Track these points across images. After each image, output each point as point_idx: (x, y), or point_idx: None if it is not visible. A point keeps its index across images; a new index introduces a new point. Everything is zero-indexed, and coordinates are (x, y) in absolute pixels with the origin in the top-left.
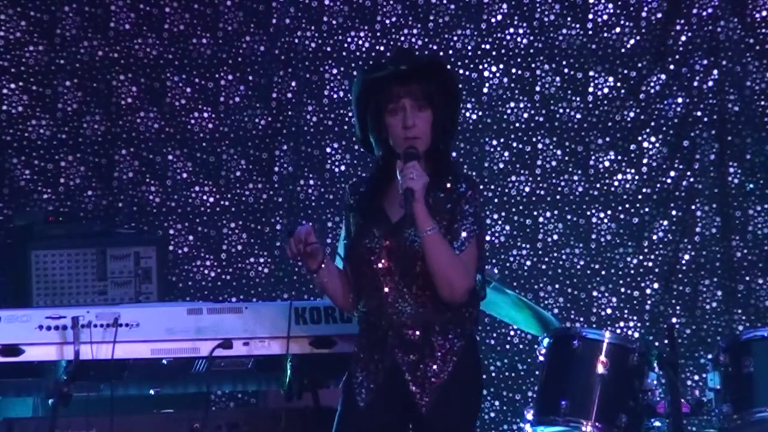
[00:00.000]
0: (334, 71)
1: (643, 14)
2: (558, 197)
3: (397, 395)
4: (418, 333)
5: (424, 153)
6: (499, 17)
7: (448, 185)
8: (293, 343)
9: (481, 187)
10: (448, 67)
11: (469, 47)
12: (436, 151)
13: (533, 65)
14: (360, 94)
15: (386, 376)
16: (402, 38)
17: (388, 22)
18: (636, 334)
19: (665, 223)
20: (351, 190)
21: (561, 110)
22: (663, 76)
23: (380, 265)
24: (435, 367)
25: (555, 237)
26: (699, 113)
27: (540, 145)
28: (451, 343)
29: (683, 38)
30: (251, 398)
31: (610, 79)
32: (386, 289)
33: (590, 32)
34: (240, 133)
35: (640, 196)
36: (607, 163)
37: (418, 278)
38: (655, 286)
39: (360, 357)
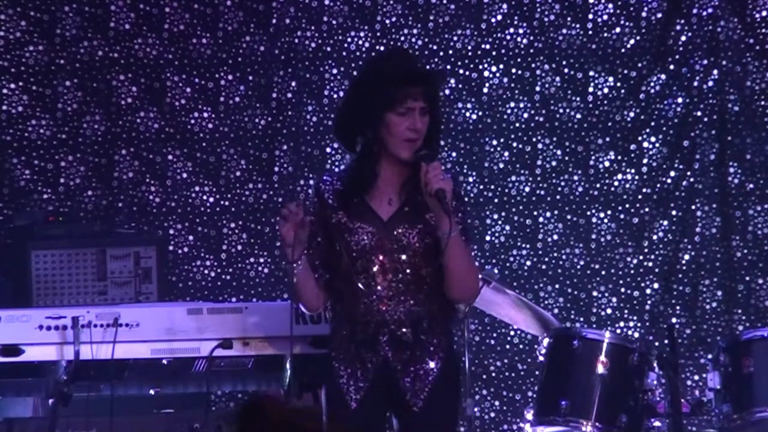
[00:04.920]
0: (334, 71)
1: (643, 14)
2: (558, 197)
3: (389, 393)
4: (408, 331)
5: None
6: (499, 17)
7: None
8: (293, 343)
9: (481, 187)
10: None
11: (469, 47)
12: (421, 155)
13: (533, 65)
14: (368, 89)
15: (376, 374)
16: (402, 38)
17: (388, 22)
18: (636, 334)
19: (665, 223)
20: (324, 188)
21: (561, 110)
22: (663, 76)
23: (374, 264)
24: (425, 364)
25: (555, 237)
26: (699, 113)
27: (540, 145)
28: (438, 340)
29: (683, 38)
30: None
31: (610, 79)
32: (379, 288)
33: (590, 32)
34: (240, 133)
35: (640, 196)
36: (607, 163)
37: (409, 276)
38: (655, 286)
39: (342, 357)
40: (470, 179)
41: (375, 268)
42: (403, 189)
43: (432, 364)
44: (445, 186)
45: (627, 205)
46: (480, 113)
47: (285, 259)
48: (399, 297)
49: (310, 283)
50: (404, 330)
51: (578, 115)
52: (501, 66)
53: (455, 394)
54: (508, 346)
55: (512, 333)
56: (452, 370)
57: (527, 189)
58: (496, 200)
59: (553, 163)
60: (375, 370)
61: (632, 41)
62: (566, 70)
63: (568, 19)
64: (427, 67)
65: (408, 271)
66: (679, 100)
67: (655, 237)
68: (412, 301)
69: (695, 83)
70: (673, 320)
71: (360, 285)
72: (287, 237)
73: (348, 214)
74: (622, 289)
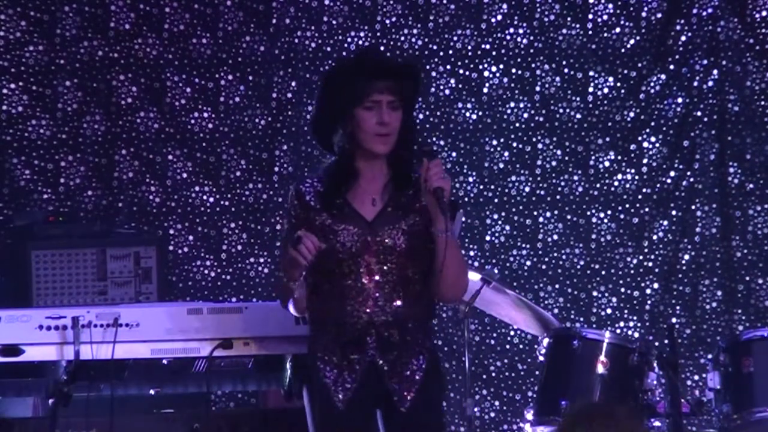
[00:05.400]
0: None
1: (643, 14)
2: (558, 197)
3: (377, 394)
4: (395, 331)
5: (387, 155)
6: (499, 17)
7: (409, 184)
8: (293, 343)
9: (481, 187)
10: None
11: (469, 47)
12: (401, 153)
13: (533, 65)
14: (335, 85)
15: (364, 375)
16: (402, 38)
17: (388, 22)
18: (636, 334)
19: (665, 223)
20: (304, 190)
21: (561, 110)
22: (663, 76)
23: (360, 265)
24: (411, 364)
25: (555, 237)
26: (699, 113)
27: (540, 145)
28: (422, 340)
29: (683, 38)
30: (251, 398)
31: (610, 79)
32: (366, 289)
33: (590, 32)
34: (240, 133)
35: (640, 196)
36: (607, 163)
37: (395, 276)
38: (655, 286)
39: (327, 359)
40: (470, 179)
41: (361, 270)
42: (386, 189)
43: (418, 365)
44: (444, 185)
45: (627, 205)
46: (480, 113)
47: (286, 275)
48: (386, 298)
49: (301, 292)
50: (391, 331)
51: (578, 115)
52: (501, 66)
53: (440, 393)
54: (508, 346)
55: (512, 333)
56: (436, 369)
57: (527, 189)
58: (496, 200)
59: (553, 163)
60: (362, 371)
61: (632, 41)
62: (566, 70)
63: (568, 19)
64: (399, 60)
65: (394, 271)
66: (679, 100)
67: (655, 237)
68: (398, 301)
69: (695, 83)
70: (673, 320)
71: (346, 286)
72: (300, 262)
73: (332, 215)
74: (622, 289)
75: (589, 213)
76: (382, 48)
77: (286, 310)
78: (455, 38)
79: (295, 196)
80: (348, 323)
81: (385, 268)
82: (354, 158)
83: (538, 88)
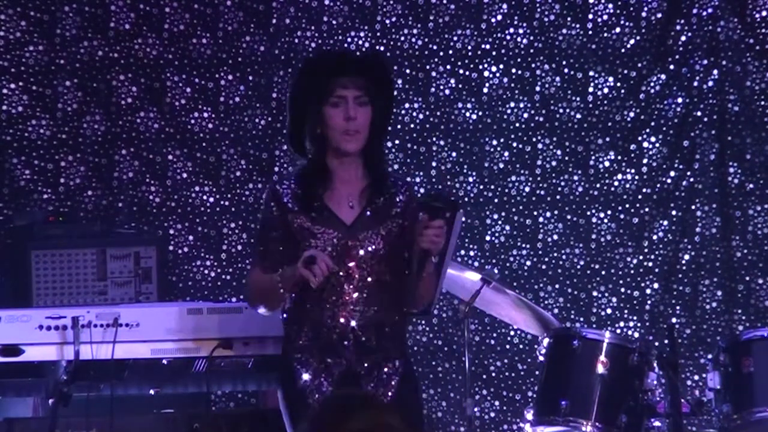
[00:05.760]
0: None
1: (643, 14)
2: (558, 197)
3: None
4: (372, 336)
5: (360, 152)
6: (499, 17)
7: (386, 189)
8: None
9: (481, 187)
10: (392, 67)
11: (469, 47)
12: (373, 151)
13: (533, 65)
14: (301, 85)
15: (340, 378)
16: (402, 38)
17: (388, 22)
18: (636, 334)
19: (665, 223)
20: (282, 191)
21: (561, 110)
22: (663, 76)
23: (340, 269)
24: (387, 369)
25: (555, 237)
26: (699, 113)
27: (540, 145)
28: (398, 344)
29: (683, 38)
30: (251, 398)
31: (610, 79)
32: (344, 293)
33: (590, 32)
34: (240, 133)
35: (640, 196)
36: (607, 163)
37: (373, 281)
38: (655, 286)
39: (304, 360)
40: (470, 179)
41: (340, 273)
42: (363, 193)
43: (393, 370)
44: (433, 248)
45: (627, 205)
46: (480, 113)
47: (284, 285)
48: (363, 302)
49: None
50: (369, 335)
51: (578, 115)
52: (501, 66)
53: (417, 396)
54: (508, 346)
55: (512, 333)
56: (411, 374)
57: (527, 189)
58: (496, 200)
59: (553, 163)
60: (339, 375)
61: (632, 41)
62: (566, 70)
63: (568, 19)
64: (361, 53)
65: (373, 276)
66: (679, 100)
67: (655, 237)
68: (375, 307)
69: (695, 83)
70: (673, 320)
71: (325, 290)
72: (311, 282)
73: (311, 218)
74: (622, 289)
75: (589, 213)
76: (381, 48)
77: (254, 308)
78: (455, 38)
79: (272, 197)
80: (326, 327)
81: (363, 272)
82: (326, 159)
83: (538, 88)
